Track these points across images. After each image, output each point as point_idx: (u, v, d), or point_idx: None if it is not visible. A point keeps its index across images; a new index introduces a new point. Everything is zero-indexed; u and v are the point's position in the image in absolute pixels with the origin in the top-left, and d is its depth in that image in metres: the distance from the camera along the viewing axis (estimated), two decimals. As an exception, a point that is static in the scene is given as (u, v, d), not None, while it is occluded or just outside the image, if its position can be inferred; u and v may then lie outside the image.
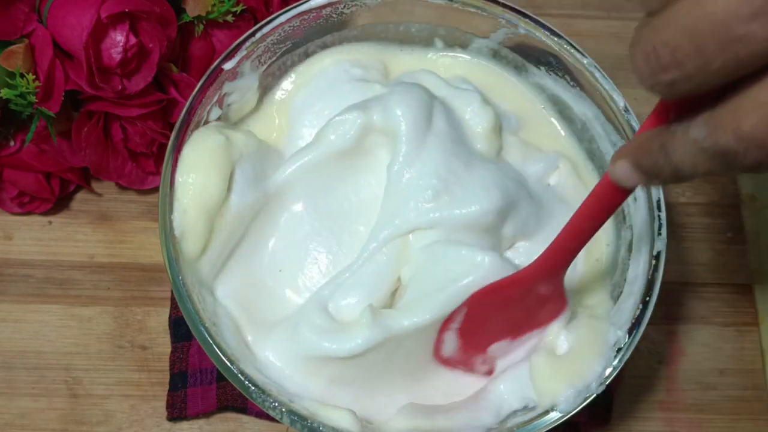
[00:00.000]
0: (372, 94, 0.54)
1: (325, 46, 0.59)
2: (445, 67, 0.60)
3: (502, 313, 0.49)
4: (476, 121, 0.54)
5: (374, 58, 0.59)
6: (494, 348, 0.51)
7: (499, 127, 0.56)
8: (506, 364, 0.52)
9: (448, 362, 0.52)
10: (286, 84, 0.59)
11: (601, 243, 0.56)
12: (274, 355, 0.50)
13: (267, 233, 0.54)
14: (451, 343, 0.50)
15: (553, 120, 0.60)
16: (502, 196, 0.51)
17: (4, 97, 0.56)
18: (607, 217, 0.42)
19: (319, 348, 0.48)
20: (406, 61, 0.60)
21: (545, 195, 0.55)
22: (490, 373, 0.52)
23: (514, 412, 0.49)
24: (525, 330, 0.51)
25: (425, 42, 0.60)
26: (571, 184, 0.57)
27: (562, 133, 0.59)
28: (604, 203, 0.40)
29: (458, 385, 0.52)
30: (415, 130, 0.51)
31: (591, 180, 0.58)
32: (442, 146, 0.51)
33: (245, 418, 0.60)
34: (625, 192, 0.39)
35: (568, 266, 0.47)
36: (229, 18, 0.61)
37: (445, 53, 0.61)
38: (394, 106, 0.51)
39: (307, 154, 0.53)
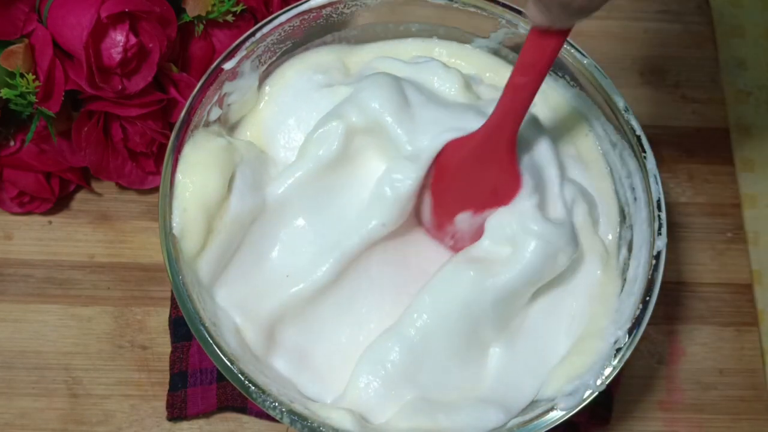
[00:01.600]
0: (340, 97, 0.54)
1: (287, 58, 0.58)
2: (403, 51, 0.60)
3: (463, 176, 0.51)
4: (446, 85, 0.55)
5: (333, 57, 0.59)
6: (460, 219, 0.52)
7: (468, 84, 0.56)
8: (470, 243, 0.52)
9: (427, 229, 0.55)
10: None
11: (601, 243, 0.56)
12: (282, 361, 0.51)
13: (268, 245, 0.54)
14: (426, 203, 0.53)
15: (502, 69, 0.60)
16: None
17: (4, 97, 0.56)
18: (541, 72, 0.45)
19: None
20: (362, 53, 0.60)
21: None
22: (457, 249, 0.53)
23: (525, 410, 0.49)
24: (485, 204, 0.51)
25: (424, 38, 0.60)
26: (550, 113, 0.59)
27: None
28: (533, 53, 0.44)
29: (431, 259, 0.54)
30: (397, 112, 0.51)
31: (561, 94, 0.59)
32: (430, 108, 0.52)
33: (245, 418, 0.60)
34: (547, 38, 0.43)
35: (515, 130, 0.48)
36: (229, 18, 0.61)
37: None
38: (368, 101, 0.52)
39: (296, 171, 0.53)
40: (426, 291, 0.50)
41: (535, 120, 0.54)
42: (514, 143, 0.49)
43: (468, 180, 0.51)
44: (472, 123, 0.50)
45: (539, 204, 0.50)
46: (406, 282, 0.53)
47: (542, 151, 0.53)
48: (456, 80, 0.55)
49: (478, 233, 0.52)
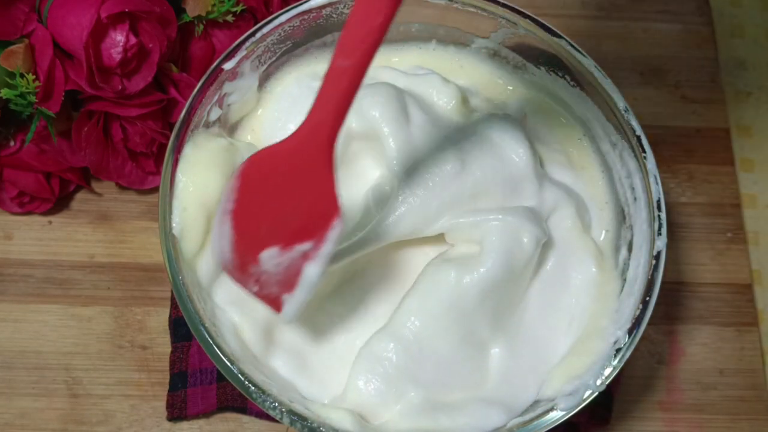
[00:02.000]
0: None
1: (281, 66, 0.58)
2: (399, 58, 0.60)
3: (270, 197, 0.45)
4: (444, 100, 0.55)
5: None
6: (266, 257, 0.45)
7: (466, 98, 0.57)
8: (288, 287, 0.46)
9: (228, 270, 0.47)
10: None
11: (593, 243, 0.56)
12: (281, 362, 0.51)
13: None
14: (225, 236, 0.46)
15: (500, 81, 0.61)
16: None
17: (4, 97, 0.56)
18: (368, 52, 0.39)
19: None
20: None
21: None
22: (264, 297, 0.47)
23: (525, 411, 0.49)
24: (296, 237, 0.45)
25: (424, 41, 0.60)
26: (540, 121, 0.58)
27: (510, 87, 0.60)
28: (359, 26, 0.39)
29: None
30: (396, 126, 0.51)
31: (553, 112, 0.59)
32: (429, 136, 0.52)
33: (245, 418, 0.60)
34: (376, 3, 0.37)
35: (335, 133, 0.42)
36: (229, 18, 0.61)
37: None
38: (368, 108, 0.52)
39: None
40: (411, 294, 0.50)
41: (512, 123, 0.54)
42: (332, 152, 0.43)
43: (276, 202, 0.45)
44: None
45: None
46: (399, 288, 0.53)
47: (519, 157, 0.53)
48: (454, 95, 0.55)
49: (287, 279, 0.45)
